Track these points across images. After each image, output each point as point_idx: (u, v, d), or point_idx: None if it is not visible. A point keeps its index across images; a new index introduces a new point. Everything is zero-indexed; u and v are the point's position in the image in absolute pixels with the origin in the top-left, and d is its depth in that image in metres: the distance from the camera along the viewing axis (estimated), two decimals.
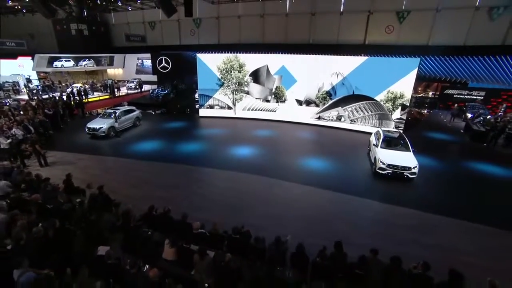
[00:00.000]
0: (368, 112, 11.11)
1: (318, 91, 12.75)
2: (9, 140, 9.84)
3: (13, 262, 4.29)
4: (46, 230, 5.25)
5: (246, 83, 12.87)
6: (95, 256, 5.07)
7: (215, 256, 5.04)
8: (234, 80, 12.55)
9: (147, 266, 4.98)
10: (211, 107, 12.96)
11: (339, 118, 11.63)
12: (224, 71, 12.23)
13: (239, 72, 12.46)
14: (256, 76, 12.62)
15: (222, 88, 12.51)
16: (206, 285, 4.75)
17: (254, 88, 12.99)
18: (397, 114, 11.23)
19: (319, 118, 12.28)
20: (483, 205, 8.18)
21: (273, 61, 12.92)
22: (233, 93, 12.58)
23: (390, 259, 4.82)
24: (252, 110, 13.09)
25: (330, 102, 12.09)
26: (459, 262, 5.24)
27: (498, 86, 18.49)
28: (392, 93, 11.41)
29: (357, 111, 11.23)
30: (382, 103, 11.53)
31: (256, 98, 13.37)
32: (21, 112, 13.84)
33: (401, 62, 13.59)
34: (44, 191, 6.90)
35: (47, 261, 4.67)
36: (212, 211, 7.50)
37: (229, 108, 12.99)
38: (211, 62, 12.92)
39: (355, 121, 11.19)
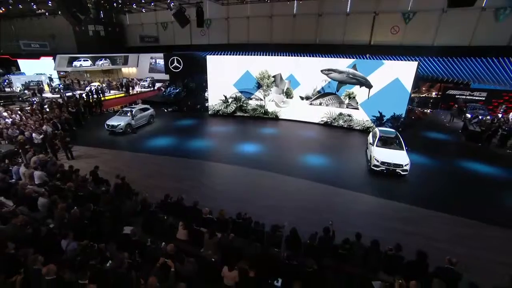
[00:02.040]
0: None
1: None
2: (41, 136, 11.10)
3: (61, 234, 5.39)
4: (82, 212, 6.33)
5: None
6: (121, 234, 6.12)
7: (222, 237, 6.00)
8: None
9: (164, 243, 5.97)
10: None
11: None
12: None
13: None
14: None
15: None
16: (213, 259, 5.70)
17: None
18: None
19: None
20: (467, 200, 8.85)
21: (285, 70, 17.23)
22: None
23: (370, 243, 5.65)
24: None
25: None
26: (433, 247, 5.97)
27: (500, 87, 18.65)
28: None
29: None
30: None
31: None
32: (47, 110, 15.17)
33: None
34: (75, 180, 8.02)
35: (84, 235, 5.73)
36: (219, 200, 8.40)
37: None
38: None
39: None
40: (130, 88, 25.87)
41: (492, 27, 19.01)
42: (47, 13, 29.85)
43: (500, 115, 16.37)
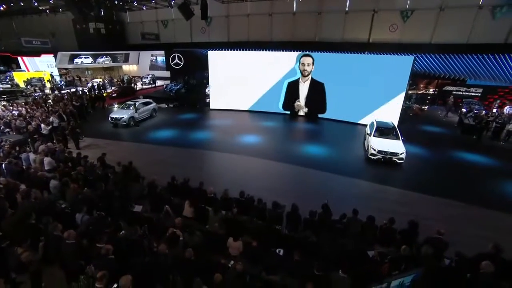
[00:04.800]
0: None
1: None
2: (49, 127, 11.44)
3: (76, 208, 5.74)
4: (94, 191, 6.69)
5: None
6: (131, 211, 6.47)
7: (226, 214, 6.36)
8: None
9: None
10: None
11: None
12: None
13: None
14: None
15: None
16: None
17: None
18: None
19: None
20: (457, 185, 9.36)
21: (286, 65, 17.29)
22: None
23: (366, 218, 6.02)
24: None
25: None
26: (423, 225, 6.29)
27: (495, 83, 19.07)
28: None
29: None
30: None
31: None
32: (51, 103, 15.51)
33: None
34: (85, 165, 8.37)
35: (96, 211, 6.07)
36: (221, 185, 8.61)
37: None
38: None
39: None
40: (132, 84, 26.20)
41: (489, 24, 19.35)
42: (47, 11, 30.09)
43: (494, 110, 16.80)
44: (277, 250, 5.37)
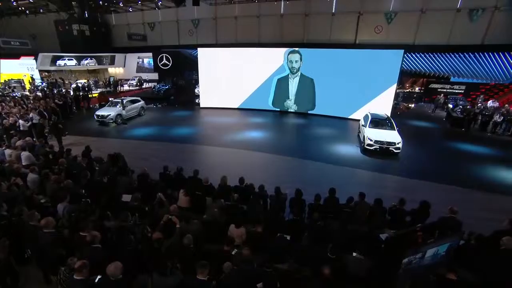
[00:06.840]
0: None
1: None
2: (29, 123, 10.61)
3: (58, 197, 5.12)
4: (78, 179, 6.07)
5: None
6: (120, 201, 5.89)
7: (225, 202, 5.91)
8: None
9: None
10: None
11: None
12: None
13: None
14: None
15: None
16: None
17: None
18: None
19: None
20: (453, 172, 9.46)
21: (277, 61, 17.26)
22: None
23: (374, 201, 5.75)
24: None
25: None
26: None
27: (476, 81, 19.92)
28: None
29: None
30: None
31: None
32: (32, 102, 14.60)
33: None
34: (67, 158, 7.69)
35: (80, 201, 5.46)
36: (215, 177, 8.22)
37: None
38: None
39: None
40: (119, 86, 25.46)
41: (467, 27, 20.22)
42: (27, 11, 28.88)
43: (479, 104, 17.43)
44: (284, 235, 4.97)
